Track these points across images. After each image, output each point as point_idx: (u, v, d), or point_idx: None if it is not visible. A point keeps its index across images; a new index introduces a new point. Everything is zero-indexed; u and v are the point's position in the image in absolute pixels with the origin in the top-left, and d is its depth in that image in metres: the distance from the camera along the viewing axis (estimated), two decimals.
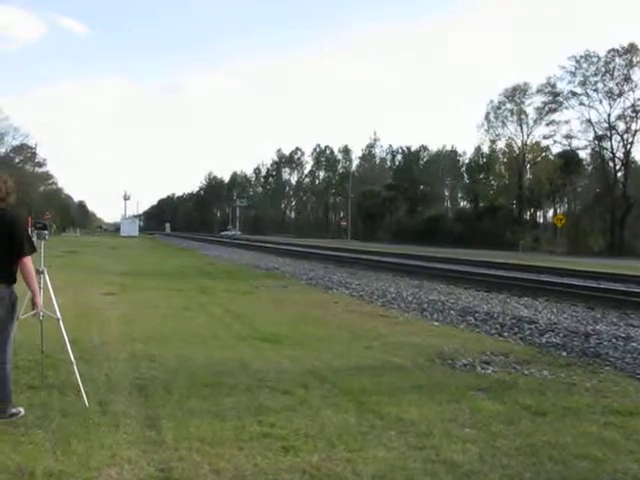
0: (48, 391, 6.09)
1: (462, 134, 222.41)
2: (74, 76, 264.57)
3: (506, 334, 10.86)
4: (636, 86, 64.46)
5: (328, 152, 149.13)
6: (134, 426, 5.15)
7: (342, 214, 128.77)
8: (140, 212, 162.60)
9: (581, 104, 68.64)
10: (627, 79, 65.01)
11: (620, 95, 65.65)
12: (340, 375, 7.14)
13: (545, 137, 74.46)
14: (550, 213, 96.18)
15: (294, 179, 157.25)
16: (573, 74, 67.99)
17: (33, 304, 5.45)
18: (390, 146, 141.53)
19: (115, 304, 13.26)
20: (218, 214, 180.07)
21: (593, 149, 74.36)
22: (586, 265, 31.39)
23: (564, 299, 15.55)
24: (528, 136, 75.24)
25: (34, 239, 5.65)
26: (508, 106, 75.58)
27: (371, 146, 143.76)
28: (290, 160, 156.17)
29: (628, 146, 66.17)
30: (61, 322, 5.96)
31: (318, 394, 6.29)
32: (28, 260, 5.29)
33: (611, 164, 69.17)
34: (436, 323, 12.03)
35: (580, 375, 7.59)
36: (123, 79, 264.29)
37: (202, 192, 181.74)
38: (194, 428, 5.11)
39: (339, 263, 29.36)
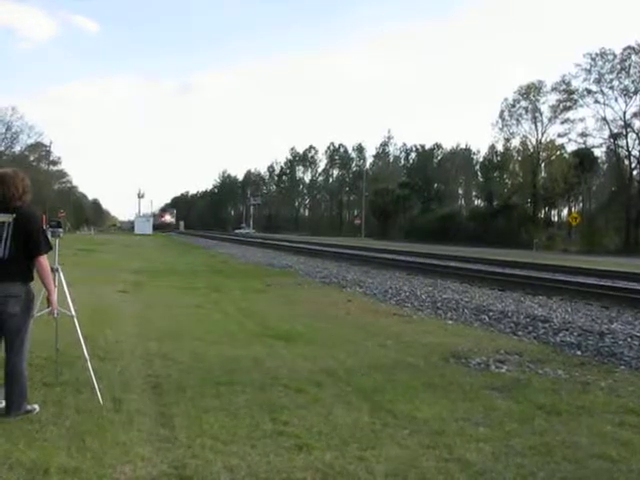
0: (62, 388, 6.12)
1: (476, 132, 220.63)
2: (88, 75, 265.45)
3: (520, 333, 10.82)
4: None
5: (342, 150, 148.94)
6: (148, 423, 5.17)
7: (356, 212, 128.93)
8: (154, 210, 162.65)
9: (596, 102, 68.31)
10: None
11: (636, 93, 65.25)
12: (353, 373, 7.14)
13: (560, 135, 74.01)
14: (565, 212, 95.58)
15: (308, 177, 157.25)
16: (588, 72, 67.62)
17: (48, 302, 5.50)
18: (404, 144, 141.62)
19: (129, 302, 13.33)
20: (232, 212, 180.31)
21: (608, 147, 74.06)
22: (601, 264, 31.20)
23: (579, 298, 15.47)
24: (543, 134, 74.79)
25: (49, 237, 5.68)
26: (523, 104, 75.17)
27: (385, 144, 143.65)
28: (304, 158, 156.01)
29: None
30: (75, 319, 5.99)
31: (331, 392, 6.29)
32: (44, 258, 5.33)
33: (626, 162, 68.82)
34: (450, 322, 12.00)
35: (595, 374, 7.55)
36: (137, 78, 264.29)
37: (216, 190, 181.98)
38: (207, 426, 5.12)
39: (353, 261, 29.32)
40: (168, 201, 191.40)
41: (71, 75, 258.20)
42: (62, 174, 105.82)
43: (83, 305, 9.31)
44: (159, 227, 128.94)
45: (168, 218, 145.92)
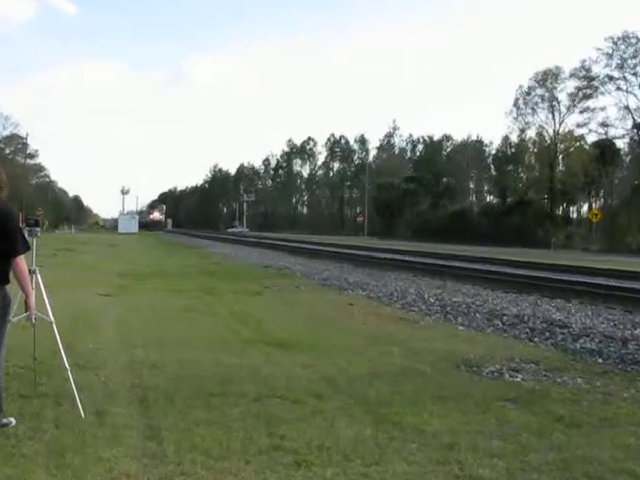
0: (41, 400, 6.12)
1: (489, 122, 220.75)
2: (68, 62, 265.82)
3: (537, 339, 10.82)
4: None
5: (343, 142, 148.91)
6: (134, 438, 5.17)
7: (358, 209, 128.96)
8: (140, 207, 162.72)
9: (618, 89, 68.48)
10: None
11: None
12: (356, 383, 7.14)
13: (579, 125, 74.18)
14: (585, 208, 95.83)
15: (306, 171, 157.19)
16: (610, 57, 67.72)
17: (26, 306, 5.47)
18: (410, 135, 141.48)
19: (113, 306, 13.32)
20: (224, 210, 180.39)
21: (631, 138, 74.19)
22: (624, 264, 31.20)
23: (600, 301, 15.45)
24: (560, 124, 74.90)
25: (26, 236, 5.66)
26: (539, 92, 75.25)
27: (390, 135, 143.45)
28: (302, 151, 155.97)
29: None
30: (54, 325, 5.97)
31: (332, 404, 6.29)
32: (21, 259, 5.29)
33: None
34: (461, 327, 12.01)
35: (617, 384, 7.55)
36: (121, 66, 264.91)
37: (207, 186, 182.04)
38: (198, 440, 5.12)
39: (355, 262, 29.33)
40: (155, 197, 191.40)
41: (49, 62, 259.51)
42: (40, 168, 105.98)
43: (63, 310, 9.30)
44: (147, 225, 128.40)
45: (157, 215, 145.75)
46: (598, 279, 21.50)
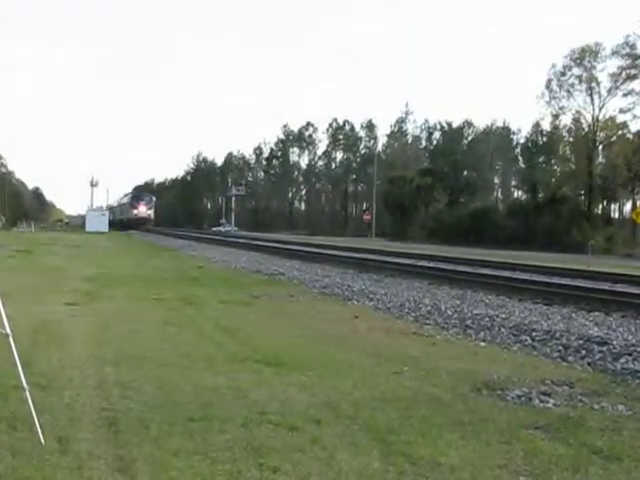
0: None
1: (517, 107, 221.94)
2: (28, 37, 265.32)
3: (571, 358, 10.82)
4: None
5: (347, 128, 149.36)
6: (101, 469, 5.16)
7: (365, 206, 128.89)
8: (111, 202, 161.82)
9: None
10: None
11: None
12: (361, 408, 7.14)
13: (622, 111, 74.19)
14: (628, 206, 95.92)
15: (304, 161, 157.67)
16: None
17: None
18: (426, 121, 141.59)
19: (80, 317, 13.31)
20: (209, 205, 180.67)
21: None
22: None
23: None
24: (600, 109, 75.02)
25: None
26: (575, 72, 75.37)
27: (402, 121, 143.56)
28: (299, 138, 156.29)
29: None
30: (11, 339, 5.97)
31: (333, 431, 6.29)
32: None
33: None
34: (482, 343, 12.02)
35: None
36: (87, 43, 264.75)
37: (189, 178, 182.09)
38: (176, 473, 5.12)
39: (361, 267, 29.31)
40: (128, 191, 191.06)
41: (6, 37, 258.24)
42: None
43: (22, 321, 9.32)
44: (129, 224, 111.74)
45: (143, 210, 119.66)
46: None
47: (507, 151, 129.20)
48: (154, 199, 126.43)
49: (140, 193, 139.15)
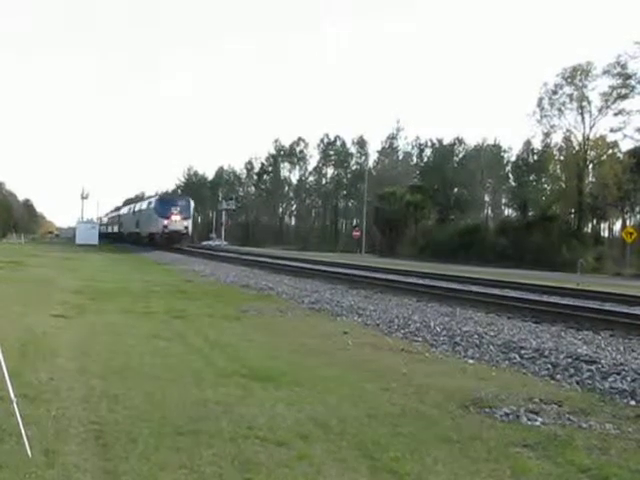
0: None
1: (508, 125, 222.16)
2: (23, 48, 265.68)
3: (559, 376, 10.84)
4: None
5: (338, 144, 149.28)
6: None
7: (355, 222, 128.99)
8: (102, 215, 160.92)
9: None
10: None
11: None
12: (349, 424, 7.14)
13: (613, 130, 74.35)
14: (618, 225, 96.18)
15: (295, 177, 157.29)
16: None
17: None
18: (417, 138, 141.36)
19: (68, 329, 13.29)
20: (199, 219, 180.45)
21: None
22: None
23: (634, 334, 15.49)
24: (591, 128, 75.14)
25: None
26: (566, 90, 75.51)
27: (393, 138, 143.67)
28: (290, 153, 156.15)
29: None
30: None
31: (321, 447, 6.29)
32: None
33: None
34: (471, 361, 12.03)
35: None
36: (82, 52, 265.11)
37: (179, 191, 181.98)
38: None
39: (350, 283, 29.31)
40: (119, 204, 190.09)
41: None
42: None
43: (9, 332, 9.30)
44: (155, 239, 77.13)
45: (177, 219, 76.60)
46: (634, 309, 21.54)
47: (498, 169, 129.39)
48: (192, 204, 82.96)
49: (173, 196, 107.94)
